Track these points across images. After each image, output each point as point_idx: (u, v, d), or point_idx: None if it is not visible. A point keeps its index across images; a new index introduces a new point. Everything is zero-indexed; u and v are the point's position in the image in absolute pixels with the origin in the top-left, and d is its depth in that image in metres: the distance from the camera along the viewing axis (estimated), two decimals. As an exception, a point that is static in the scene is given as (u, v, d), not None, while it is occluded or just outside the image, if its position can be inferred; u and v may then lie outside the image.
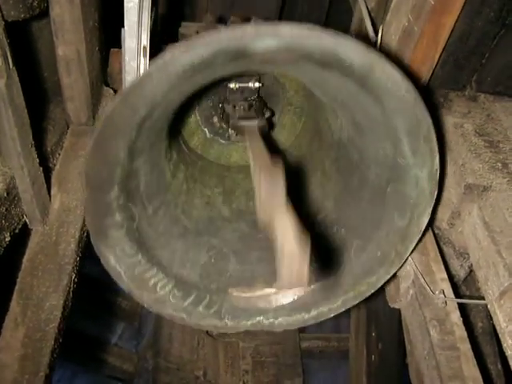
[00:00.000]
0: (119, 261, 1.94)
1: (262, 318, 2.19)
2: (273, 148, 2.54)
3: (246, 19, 3.17)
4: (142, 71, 2.12)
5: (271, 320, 2.19)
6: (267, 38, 1.46)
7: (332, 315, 2.19)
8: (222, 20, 3.30)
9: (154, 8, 2.23)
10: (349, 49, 1.52)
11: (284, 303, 1.88)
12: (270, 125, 2.60)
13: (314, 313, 2.16)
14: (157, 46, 2.65)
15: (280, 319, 2.19)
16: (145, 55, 2.09)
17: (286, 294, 1.25)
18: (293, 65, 1.78)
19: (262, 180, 1.49)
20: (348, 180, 2.29)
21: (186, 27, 3.13)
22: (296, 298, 1.48)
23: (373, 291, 2.13)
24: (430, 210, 1.91)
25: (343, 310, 2.19)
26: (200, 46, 1.46)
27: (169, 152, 2.34)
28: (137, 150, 1.85)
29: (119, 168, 1.79)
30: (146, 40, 2.06)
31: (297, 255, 1.19)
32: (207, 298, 2.14)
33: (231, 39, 1.46)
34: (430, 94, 2.58)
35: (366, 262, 2.11)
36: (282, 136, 2.79)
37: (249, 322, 2.18)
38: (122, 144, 1.72)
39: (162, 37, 2.87)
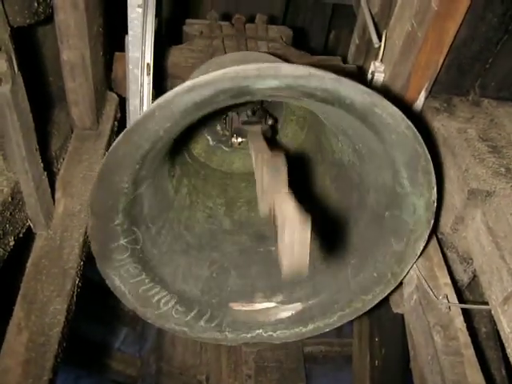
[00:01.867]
0: (124, 281, 2.01)
1: (261, 330, 2.26)
2: (275, 147, 2.59)
3: (250, 18, 3.19)
4: (145, 90, 2.15)
5: (270, 333, 2.25)
6: (269, 78, 1.49)
7: (328, 329, 2.26)
8: (226, 17, 3.31)
9: (159, 8, 2.24)
10: (350, 90, 1.55)
11: (283, 317, 2.07)
12: (273, 131, 2.60)
13: (310, 327, 2.23)
14: (161, 46, 2.67)
15: (278, 332, 2.26)
16: (148, 73, 2.11)
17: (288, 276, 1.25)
18: (294, 99, 1.83)
19: (264, 168, 1.51)
20: (347, 200, 2.33)
21: (190, 25, 3.14)
22: (298, 279, 1.48)
23: (368, 308, 2.19)
24: (426, 236, 1.96)
25: (339, 324, 2.25)
26: (203, 87, 1.48)
27: (172, 168, 2.38)
28: (140, 178, 1.89)
29: (123, 197, 1.84)
30: (149, 57, 2.07)
31: (298, 237, 1.19)
32: (208, 312, 2.20)
33: (234, 80, 1.48)
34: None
35: (362, 281, 2.16)
36: (284, 144, 2.79)
37: (248, 335, 2.24)
38: (126, 176, 1.77)
39: (166, 35, 2.89)
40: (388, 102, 1.58)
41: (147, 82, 2.14)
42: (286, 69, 1.48)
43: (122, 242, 1.95)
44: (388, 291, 2.14)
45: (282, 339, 2.27)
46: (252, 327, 2.24)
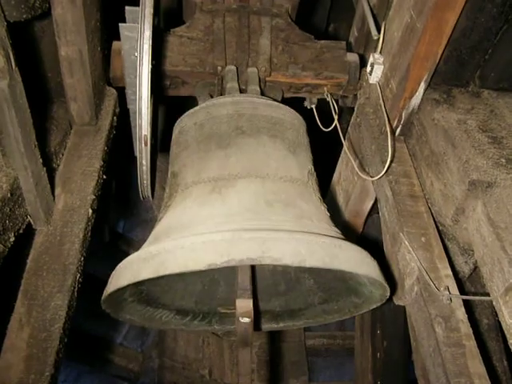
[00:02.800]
0: (132, 315, 2.23)
1: None
2: None
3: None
4: (143, 157, 2.22)
5: None
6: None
7: (295, 328, 2.71)
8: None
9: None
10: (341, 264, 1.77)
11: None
12: None
13: (281, 324, 2.57)
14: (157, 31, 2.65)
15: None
16: (146, 144, 2.15)
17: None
18: None
19: None
20: None
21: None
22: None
23: (328, 322, 2.52)
24: (379, 304, 2.20)
25: (304, 326, 2.68)
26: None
27: None
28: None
29: (128, 290, 2.08)
30: (145, 129, 2.10)
31: None
32: (201, 315, 2.50)
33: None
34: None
35: (325, 308, 2.47)
36: None
37: (232, 326, 2.48)
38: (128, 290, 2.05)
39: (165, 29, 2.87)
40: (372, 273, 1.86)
41: (145, 152, 2.19)
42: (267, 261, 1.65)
43: (130, 300, 2.17)
44: (346, 317, 2.43)
45: (256, 330, 2.51)
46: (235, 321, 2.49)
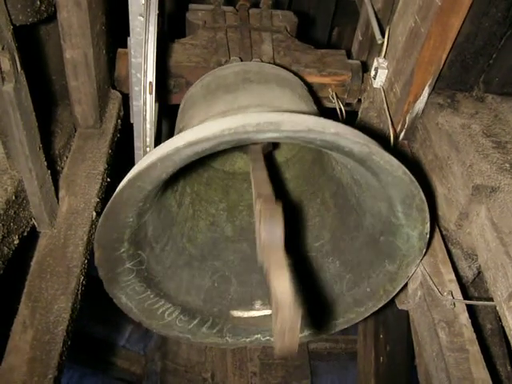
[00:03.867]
0: (130, 298, 2.08)
1: (259, 335, 2.36)
2: (275, 165, 2.57)
3: (255, 4, 3.16)
4: (148, 108, 2.15)
5: (268, 337, 2.36)
6: (269, 132, 1.50)
7: (323, 335, 2.41)
8: (230, 2, 3.27)
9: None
10: (348, 141, 1.56)
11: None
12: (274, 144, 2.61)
13: (306, 333, 2.33)
14: (163, 41, 2.66)
15: None
16: (151, 92, 2.11)
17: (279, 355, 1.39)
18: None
19: (262, 222, 1.52)
20: (345, 218, 2.37)
21: (193, 12, 3.11)
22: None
23: (361, 319, 2.29)
24: (418, 261, 2.03)
25: (333, 332, 2.36)
26: (202, 141, 1.49)
27: (175, 183, 2.37)
28: (145, 210, 1.93)
29: (128, 229, 1.89)
30: (151, 75, 2.07)
31: (289, 325, 1.28)
32: (210, 319, 2.31)
33: (233, 134, 1.48)
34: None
35: (356, 295, 2.26)
36: (284, 146, 2.78)
37: (247, 339, 2.36)
38: (131, 213, 1.82)
39: (169, 23, 2.87)
40: (385, 152, 1.60)
41: (150, 100, 2.15)
42: (286, 124, 1.48)
43: (128, 265, 2.01)
44: (380, 305, 2.22)
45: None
46: (251, 332, 2.35)
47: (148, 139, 2.29)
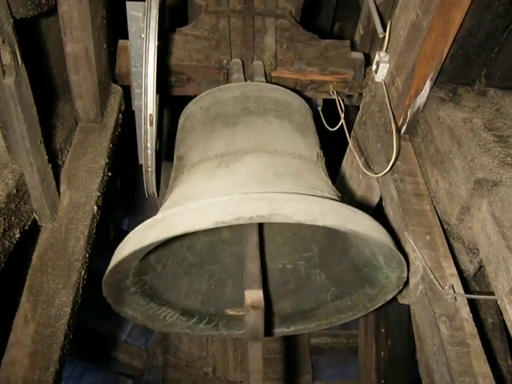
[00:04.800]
0: (135, 311, 2.21)
1: None
2: None
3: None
4: (148, 137, 2.19)
5: None
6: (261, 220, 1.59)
7: (306, 332, 2.65)
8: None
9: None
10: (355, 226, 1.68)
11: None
12: None
13: (292, 328, 2.53)
14: (165, 32, 2.65)
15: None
16: (151, 124, 2.13)
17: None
18: None
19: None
20: (333, 240, 2.50)
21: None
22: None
23: (341, 322, 2.47)
24: (396, 292, 2.20)
25: (316, 329, 2.57)
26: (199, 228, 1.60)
27: None
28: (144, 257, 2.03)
29: (132, 270, 2.02)
30: (151, 108, 2.09)
31: None
32: (207, 318, 2.47)
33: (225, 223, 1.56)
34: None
35: (338, 305, 2.43)
36: None
37: (240, 332, 2.50)
38: (130, 271, 2.00)
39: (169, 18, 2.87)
40: (390, 242, 1.81)
41: (150, 132, 2.17)
42: (277, 217, 1.57)
43: (133, 290, 2.13)
44: (359, 315, 2.40)
45: (267, 336, 2.46)
46: (243, 326, 2.40)
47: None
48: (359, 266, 2.25)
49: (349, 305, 2.38)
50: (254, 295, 1.81)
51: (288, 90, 2.54)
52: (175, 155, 2.38)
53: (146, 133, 2.15)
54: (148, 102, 2.07)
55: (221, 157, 2.07)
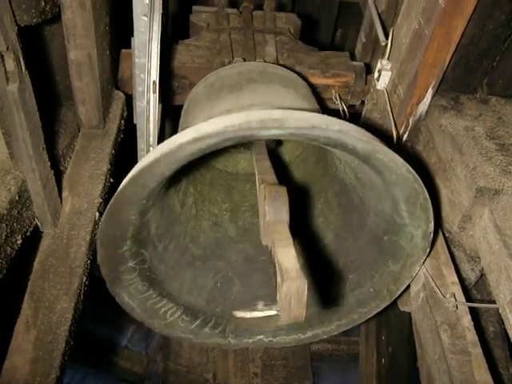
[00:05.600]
0: (132, 297, 2.08)
1: (262, 336, 2.37)
2: (279, 166, 2.53)
3: (258, 6, 3.16)
4: (151, 108, 2.15)
5: (270, 338, 2.37)
6: (272, 130, 1.50)
7: (325, 337, 2.38)
8: (233, 4, 3.28)
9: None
10: (352, 139, 1.56)
11: (282, 325, 2.06)
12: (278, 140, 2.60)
13: (309, 334, 2.35)
14: (167, 42, 2.66)
15: (278, 338, 2.38)
16: (154, 91, 2.11)
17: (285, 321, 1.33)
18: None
19: (267, 203, 1.53)
20: (348, 217, 2.38)
21: (197, 14, 3.12)
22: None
23: (364, 320, 2.30)
24: (422, 261, 2.03)
25: (336, 332, 2.36)
26: (206, 139, 1.49)
27: (178, 183, 2.37)
28: (148, 208, 1.92)
29: (131, 227, 1.88)
30: (155, 75, 2.07)
31: (295, 292, 1.26)
32: (213, 320, 2.31)
33: (237, 131, 1.48)
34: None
35: (359, 295, 2.26)
36: (288, 146, 2.79)
37: (250, 340, 2.36)
38: (133, 210, 1.81)
39: (173, 23, 2.88)
40: (389, 150, 1.60)
41: (153, 100, 2.15)
42: (290, 122, 1.48)
43: (131, 264, 2.00)
44: (383, 306, 2.22)
45: (281, 344, 2.38)
46: (254, 333, 2.35)
47: (151, 139, 2.29)
48: (379, 234, 2.12)
49: (371, 292, 2.23)
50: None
51: (291, 72, 2.51)
52: (179, 131, 2.32)
53: (148, 102, 2.12)
54: (152, 69, 2.05)
55: (226, 112, 2.01)
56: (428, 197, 1.77)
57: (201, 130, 1.49)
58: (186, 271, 2.34)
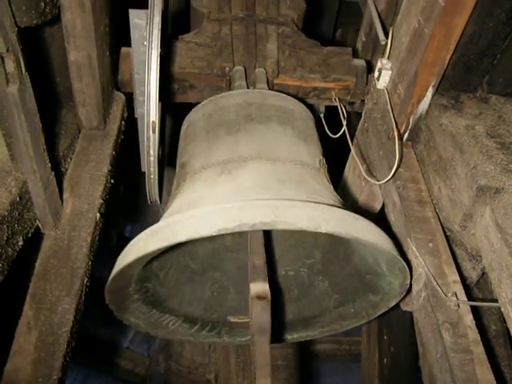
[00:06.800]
0: (137, 318, 2.20)
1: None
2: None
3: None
4: (151, 147, 2.18)
5: None
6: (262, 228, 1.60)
7: (309, 339, 2.60)
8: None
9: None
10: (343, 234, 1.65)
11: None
12: None
13: (294, 335, 2.53)
14: (167, 39, 2.66)
15: None
16: (154, 131, 2.13)
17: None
18: None
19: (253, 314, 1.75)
20: (335, 246, 2.49)
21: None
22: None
23: (345, 329, 2.47)
24: (399, 298, 2.19)
25: (319, 336, 2.56)
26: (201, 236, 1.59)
27: None
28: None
29: (134, 277, 2.00)
30: (154, 115, 2.09)
31: None
32: (209, 325, 2.46)
33: (228, 230, 1.56)
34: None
35: (341, 312, 2.43)
36: None
37: (243, 339, 2.51)
38: (133, 276, 1.97)
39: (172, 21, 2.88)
40: (391, 247, 1.80)
41: (153, 139, 2.16)
42: (280, 224, 1.57)
43: (135, 297, 2.12)
44: (362, 322, 2.40)
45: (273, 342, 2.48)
46: (246, 333, 2.46)
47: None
48: (362, 272, 2.25)
49: (352, 312, 2.38)
50: (260, 286, 1.78)
51: (290, 97, 2.55)
52: (178, 162, 2.38)
53: (148, 140, 2.15)
54: (151, 110, 2.07)
55: (223, 164, 2.08)
56: (406, 266, 1.92)
57: (195, 229, 1.59)
58: (186, 286, 2.43)
